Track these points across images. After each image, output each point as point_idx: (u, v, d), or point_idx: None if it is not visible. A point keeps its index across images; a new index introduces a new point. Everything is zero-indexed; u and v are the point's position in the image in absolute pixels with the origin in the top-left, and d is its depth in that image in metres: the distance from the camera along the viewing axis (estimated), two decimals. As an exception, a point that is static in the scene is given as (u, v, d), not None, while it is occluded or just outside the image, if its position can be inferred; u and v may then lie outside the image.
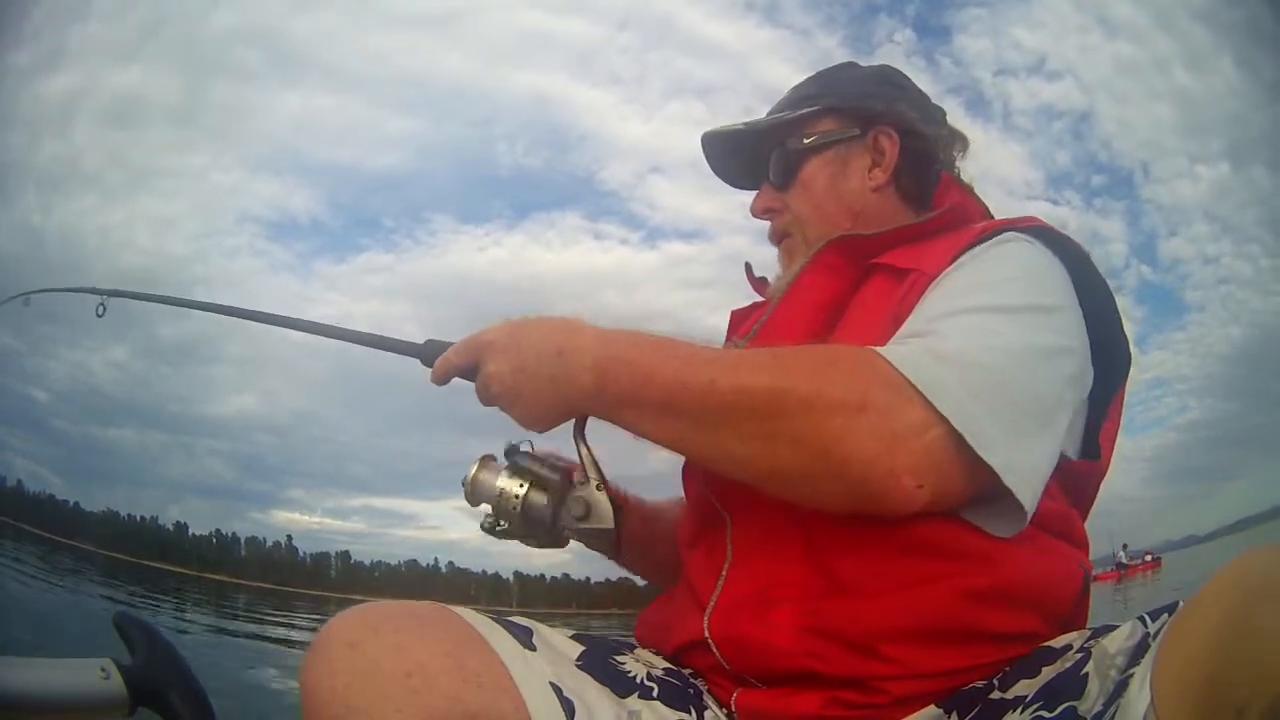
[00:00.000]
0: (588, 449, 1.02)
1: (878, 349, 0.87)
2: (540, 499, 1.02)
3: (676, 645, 1.02)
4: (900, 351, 0.86)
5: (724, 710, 0.96)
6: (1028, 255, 1.01)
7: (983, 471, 0.83)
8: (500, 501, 1.02)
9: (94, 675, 0.99)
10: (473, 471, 1.05)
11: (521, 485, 1.02)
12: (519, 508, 1.02)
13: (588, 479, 1.02)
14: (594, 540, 1.07)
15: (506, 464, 1.05)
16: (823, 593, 0.91)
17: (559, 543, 1.06)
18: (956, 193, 1.20)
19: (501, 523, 1.04)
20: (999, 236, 1.03)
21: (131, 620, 1.08)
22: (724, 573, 0.99)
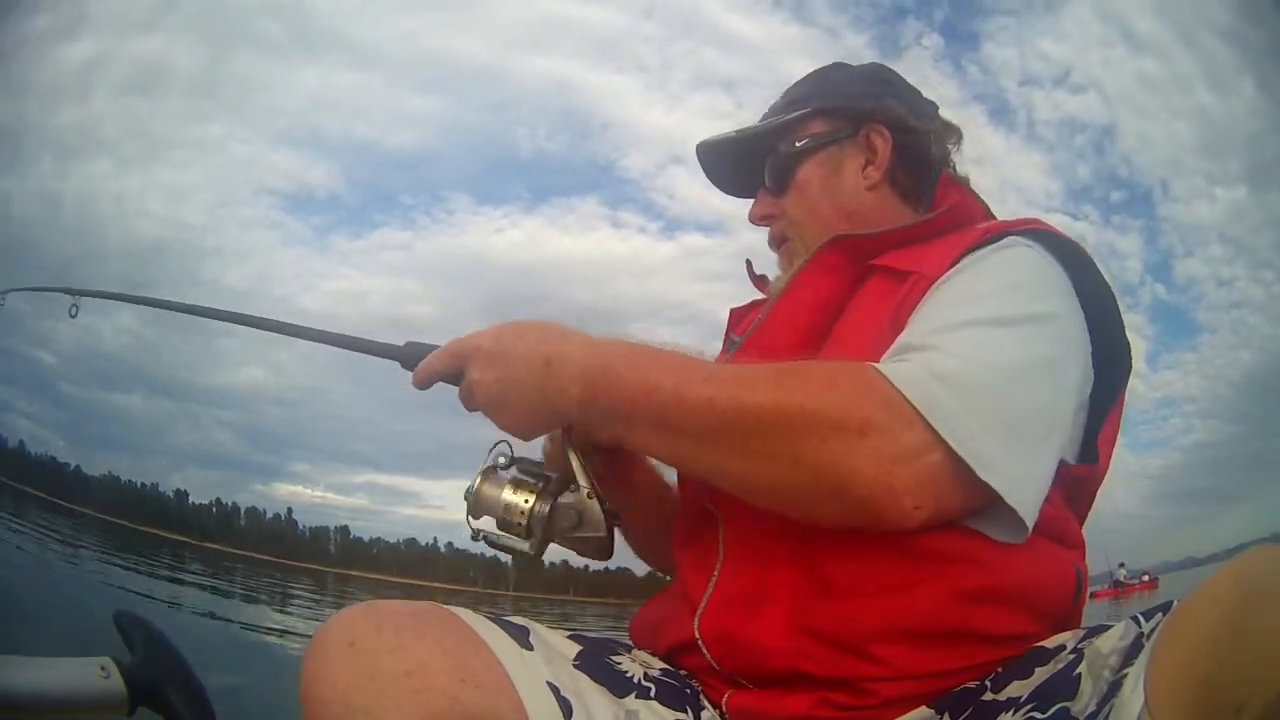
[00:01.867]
0: (578, 457, 1.01)
1: (879, 366, 0.86)
2: (543, 509, 1.00)
3: (668, 646, 1.03)
4: (901, 370, 0.85)
5: (719, 711, 0.96)
6: (1029, 261, 1.00)
7: (983, 490, 0.83)
8: (505, 515, 1.01)
9: (94, 674, 1.00)
10: (476, 484, 1.03)
11: (527, 499, 1.01)
12: (525, 520, 1.00)
13: (579, 487, 1.00)
14: (586, 548, 1.05)
15: (510, 476, 1.03)
16: (813, 594, 0.91)
17: (539, 552, 1.04)
18: (956, 192, 1.19)
19: (493, 534, 1.03)
20: (1000, 241, 1.02)
21: (132, 619, 1.09)
22: (715, 573, 0.99)
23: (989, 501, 0.85)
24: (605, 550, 1.04)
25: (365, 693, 0.77)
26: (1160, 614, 0.74)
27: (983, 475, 0.82)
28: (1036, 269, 1.00)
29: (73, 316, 1.63)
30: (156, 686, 1.03)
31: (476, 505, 1.03)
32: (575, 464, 1.01)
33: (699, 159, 1.32)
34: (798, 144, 1.21)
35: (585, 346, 0.93)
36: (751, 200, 1.30)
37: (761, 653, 0.91)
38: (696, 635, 0.96)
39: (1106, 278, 1.03)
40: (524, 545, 1.02)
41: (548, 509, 1.00)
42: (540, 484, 1.02)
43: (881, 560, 0.89)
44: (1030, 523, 0.85)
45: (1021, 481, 0.85)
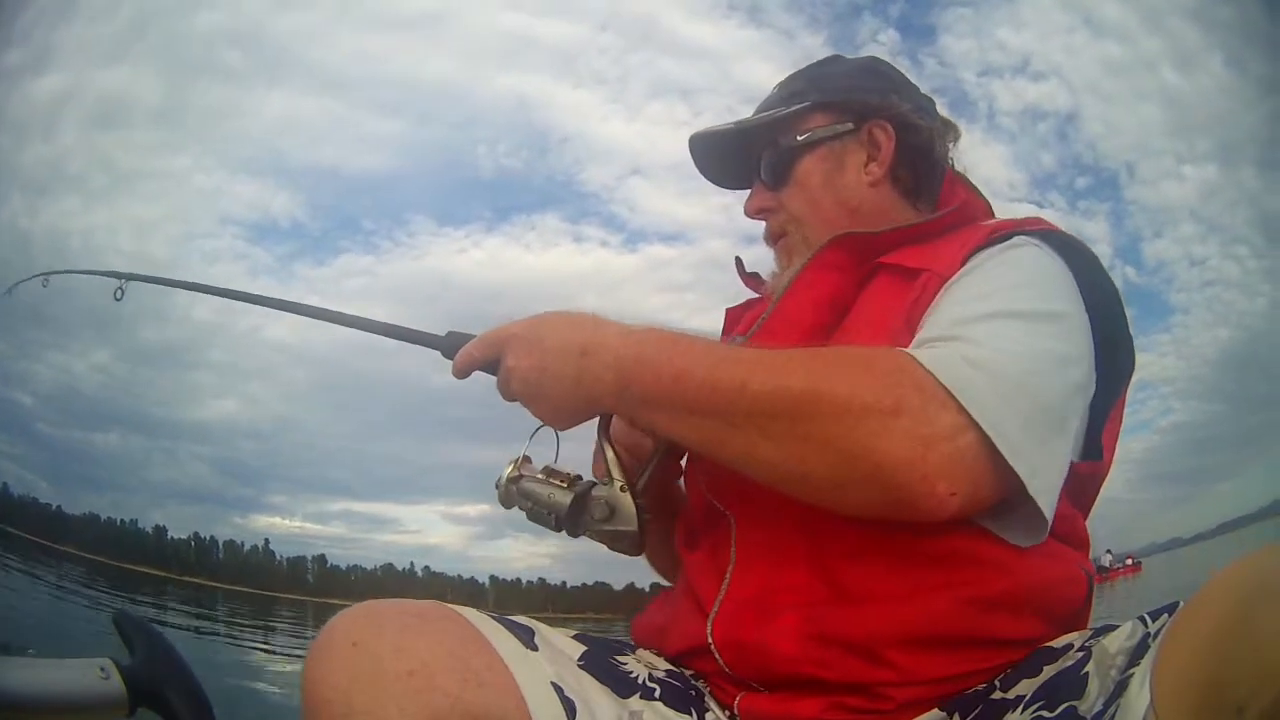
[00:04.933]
0: (613, 449, 1.00)
1: (911, 351, 0.86)
2: (565, 500, 1.00)
3: (678, 649, 1.02)
4: (934, 355, 0.84)
5: (726, 713, 0.96)
6: (1038, 260, 1.00)
7: (1008, 479, 0.82)
8: (533, 505, 1.01)
9: (93, 675, 0.99)
10: (506, 474, 1.03)
11: (550, 489, 1.00)
12: (550, 510, 1.00)
13: (612, 480, 1.00)
14: (617, 542, 1.04)
15: (539, 467, 1.03)
16: (826, 599, 0.91)
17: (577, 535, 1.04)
18: (962, 190, 1.19)
19: (534, 520, 1.02)
20: (1009, 240, 1.02)
21: (131, 620, 1.08)
22: (727, 577, 0.98)
23: (1011, 495, 0.84)
24: (637, 545, 1.03)
25: (367, 692, 0.77)
26: (1166, 614, 0.74)
27: (1010, 460, 0.81)
28: (1045, 268, 1.00)
29: (118, 300, 1.63)
30: (156, 687, 1.03)
31: (506, 497, 1.03)
32: (610, 456, 1.00)
33: (690, 149, 1.29)
34: (799, 138, 1.18)
35: (620, 335, 0.93)
36: (735, 193, 1.28)
37: (775, 658, 0.90)
38: (709, 640, 0.95)
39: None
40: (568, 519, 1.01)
41: (570, 500, 1.00)
42: (572, 477, 1.02)
43: (896, 564, 0.88)
44: (1049, 516, 0.84)
45: (1042, 472, 0.84)
